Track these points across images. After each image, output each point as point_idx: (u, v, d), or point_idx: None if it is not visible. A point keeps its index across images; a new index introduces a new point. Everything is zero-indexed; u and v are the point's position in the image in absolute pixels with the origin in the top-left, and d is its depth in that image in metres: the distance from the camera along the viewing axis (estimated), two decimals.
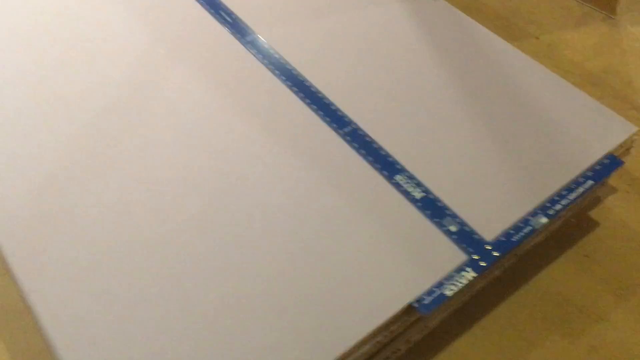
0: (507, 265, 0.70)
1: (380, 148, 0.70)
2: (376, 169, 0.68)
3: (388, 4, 0.88)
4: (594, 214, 0.79)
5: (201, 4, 0.88)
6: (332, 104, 0.74)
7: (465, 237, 0.62)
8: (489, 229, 0.63)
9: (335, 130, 0.72)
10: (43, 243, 0.62)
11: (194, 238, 0.62)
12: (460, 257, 0.61)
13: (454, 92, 0.76)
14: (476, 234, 0.62)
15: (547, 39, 1.03)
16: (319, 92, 0.76)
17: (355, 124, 0.72)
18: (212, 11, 0.87)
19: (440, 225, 0.63)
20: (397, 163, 0.68)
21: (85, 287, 0.59)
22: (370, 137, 0.71)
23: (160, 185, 0.67)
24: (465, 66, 0.79)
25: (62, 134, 0.71)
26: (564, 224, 0.75)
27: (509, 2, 1.09)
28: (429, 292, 0.59)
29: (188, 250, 0.61)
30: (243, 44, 0.82)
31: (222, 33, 0.84)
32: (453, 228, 0.63)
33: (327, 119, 0.73)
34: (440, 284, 0.59)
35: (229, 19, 0.85)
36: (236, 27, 0.84)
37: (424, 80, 0.77)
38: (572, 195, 0.66)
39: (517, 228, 0.63)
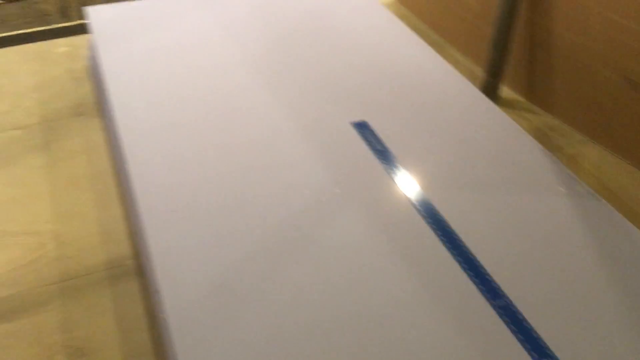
0: None
1: (532, 329, 0.71)
2: (526, 349, 0.68)
3: (554, 195, 0.92)
4: None
5: (377, 156, 0.97)
6: (488, 274, 0.77)
7: None
8: None
9: (488, 299, 0.74)
10: (214, 331, 0.68)
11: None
12: None
13: (617, 291, 0.76)
14: None
15: None
16: (477, 260, 0.79)
17: (508, 298, 0.74)
18: (385, 164, 0.96)
19: None
20: (549, 349, 0.68)
21: None
22: (522, 315, 0.72)
23: (324, 303, 0.72)
24: (629, 270, 0.80)
25: (247, 236, 0.81)
26: None
27: None
28: None
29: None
30: (411, 202, 0.89)
31: (390, 185, 0.92)
32: None
33: (482, 288, 0.75)
34: None
35: (399, 175, 0.94)
36: (405, 184, 0.92)
37: (587, 273, 0.79)
38: None
39: None
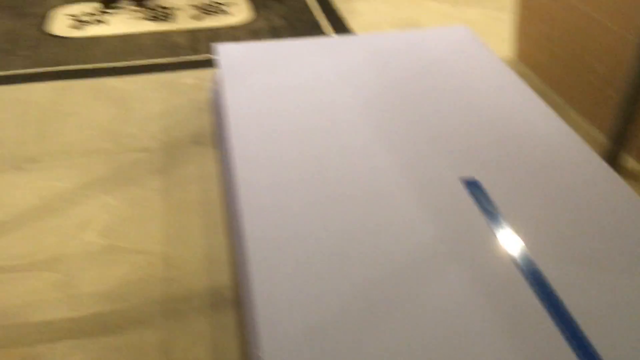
0: None
1: None
2: None
3: None
4: None
5: (486, 217, 0.95)
6: (598, 355, 0.72)
7: None
8: None
9: None
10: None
11: None
12: None
13: None
14: None
15: None
16: (587, 338, 0.74)
17: None
18: (494, 225, 0.93)
19: None
20: None
21: None
22: None
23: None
24: None
25: (348, 283, 0.82)
26: None
27: None
28: None
29: None
30: (519, 269, 0.85)
31: (498, 248, 0.89)
32: None
33: (580, 353, 0.70)
34: None
35: (508, 239, 0.90)
36: (514, 249, 0.88)
37: None
38: None
39: None
